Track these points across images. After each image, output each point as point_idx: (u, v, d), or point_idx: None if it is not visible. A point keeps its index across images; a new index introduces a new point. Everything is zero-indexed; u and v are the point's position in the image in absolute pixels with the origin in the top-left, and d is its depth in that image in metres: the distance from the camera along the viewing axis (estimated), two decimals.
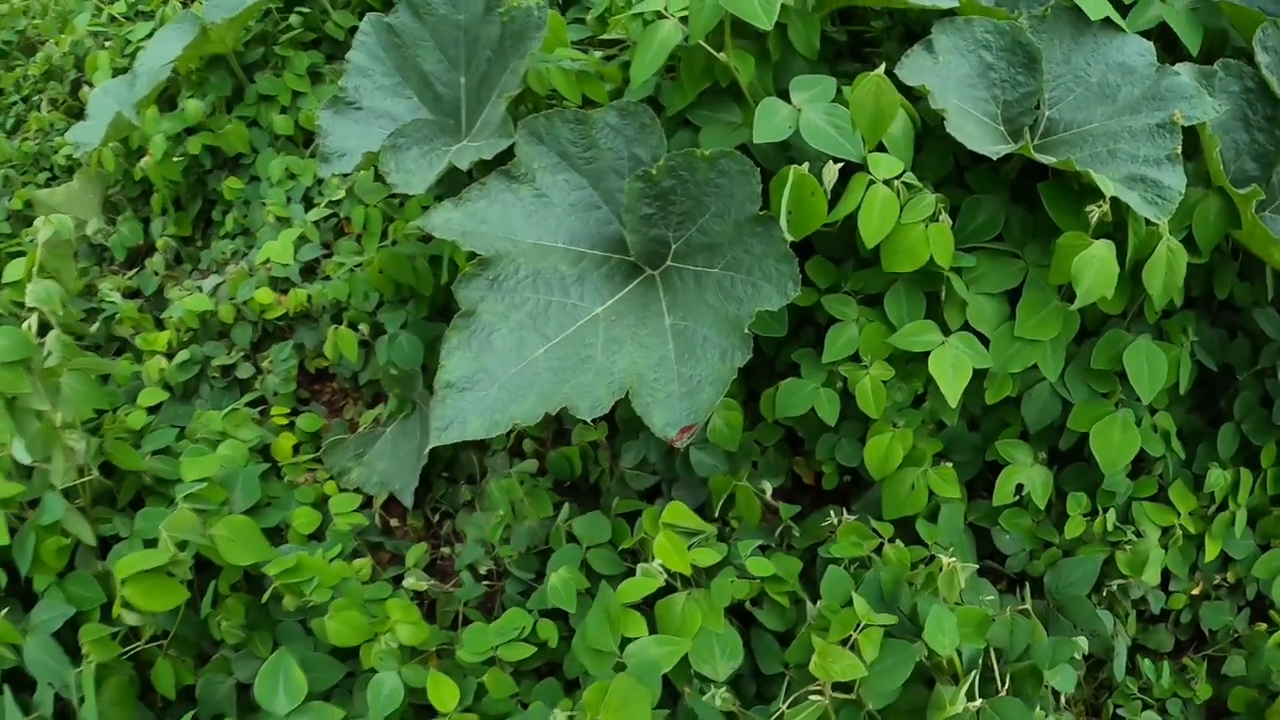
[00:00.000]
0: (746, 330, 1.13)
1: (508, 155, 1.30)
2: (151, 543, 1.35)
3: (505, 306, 1.20)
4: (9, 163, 2.23)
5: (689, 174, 1.21)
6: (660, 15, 1.24)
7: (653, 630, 1.16)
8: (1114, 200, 1.18)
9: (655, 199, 1.24)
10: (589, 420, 1.13)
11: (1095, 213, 1.17)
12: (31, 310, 1.41)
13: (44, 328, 1.42)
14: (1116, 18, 1.40)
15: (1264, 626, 1.44)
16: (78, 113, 2.25)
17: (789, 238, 1.15)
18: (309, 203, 1.88)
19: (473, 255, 1.22)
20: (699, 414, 1.10)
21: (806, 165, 1.15)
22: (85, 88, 2.13)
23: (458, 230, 1.24)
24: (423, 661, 1.29)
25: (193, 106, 1.92)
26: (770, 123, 1.19)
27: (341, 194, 1.85)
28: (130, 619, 1.23)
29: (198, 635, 1.37)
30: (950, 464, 1.34)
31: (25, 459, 1.35)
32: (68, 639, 1.31)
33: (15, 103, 2.37)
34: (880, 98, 1.14)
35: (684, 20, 1.24)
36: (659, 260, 1.27)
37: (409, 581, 1.39)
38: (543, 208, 1.28)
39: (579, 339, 1.21)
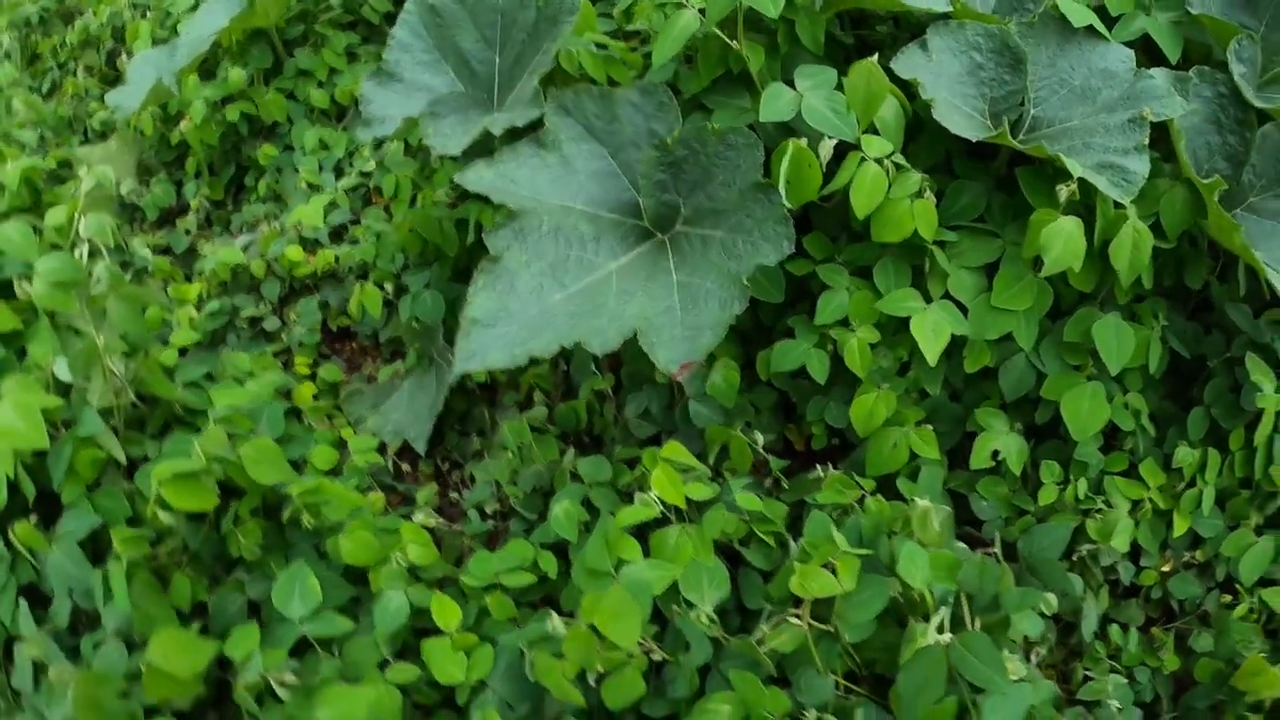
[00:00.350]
0: (745, 282, 1.37)
1: (537, 125, 1.56)
2: None
3: (528, 256, 1.44)
4: (44, 123, 2.51)
5: (700, 146, 1.46)
6: (680, 5, 1.51)
7: (647, 558, 1.37)
8: (1084, 185, 1.42)
9: (668, 167, 1.49)
10: (600, 355, 1.36)
11: (1064, 191, 1.41)
12: (83, 241, 1.66)
13: (92, 258, 1.67)
14: (1101, 28, 1.67)
15: (1229, 599, 1.64)
16: (113, 80, 2.54)
17: (786, 204, 1.39)
18: (340, 172, 2.15)
19: (499, 209, 1.47)
20: (699, 353, 1.33)
21: (805, 141, 1.41)
22: (122, 57, 2.41)
23: (489, 186, 1.49)
24: (428, 586, 1.50)
25: (235, 75, 2.20)
26: (775, 104, 1.45)
27: (372, 166, 2.12)
28: (165, 519, 1.44)
29: (213, 558, 1.59)
30: (931, 428, 1.56)
31: (66, 377, 1.58)
32: (88, 553, 1.53)
33: (51, 68, 2.66)
34: (871, 81, 1.40)
35: (702, 12, 1.51)
36: (669, 224, 1.51)
37: (418, 517, 1.61)
38: (566, 173, 1.54)
39: (594, 289, 1.44)
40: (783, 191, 1.39)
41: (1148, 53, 1.70)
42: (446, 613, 1.42)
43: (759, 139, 1.42)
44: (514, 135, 1.56)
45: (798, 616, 1.30)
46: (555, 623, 1.27)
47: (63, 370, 1.59)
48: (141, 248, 2.13)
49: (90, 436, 1.56)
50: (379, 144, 2.11)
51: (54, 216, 1.99)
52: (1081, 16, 1.65)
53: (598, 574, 1.34)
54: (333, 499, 1.52)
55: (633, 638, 1.25)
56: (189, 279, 2.07)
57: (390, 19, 2.29)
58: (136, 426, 1.74)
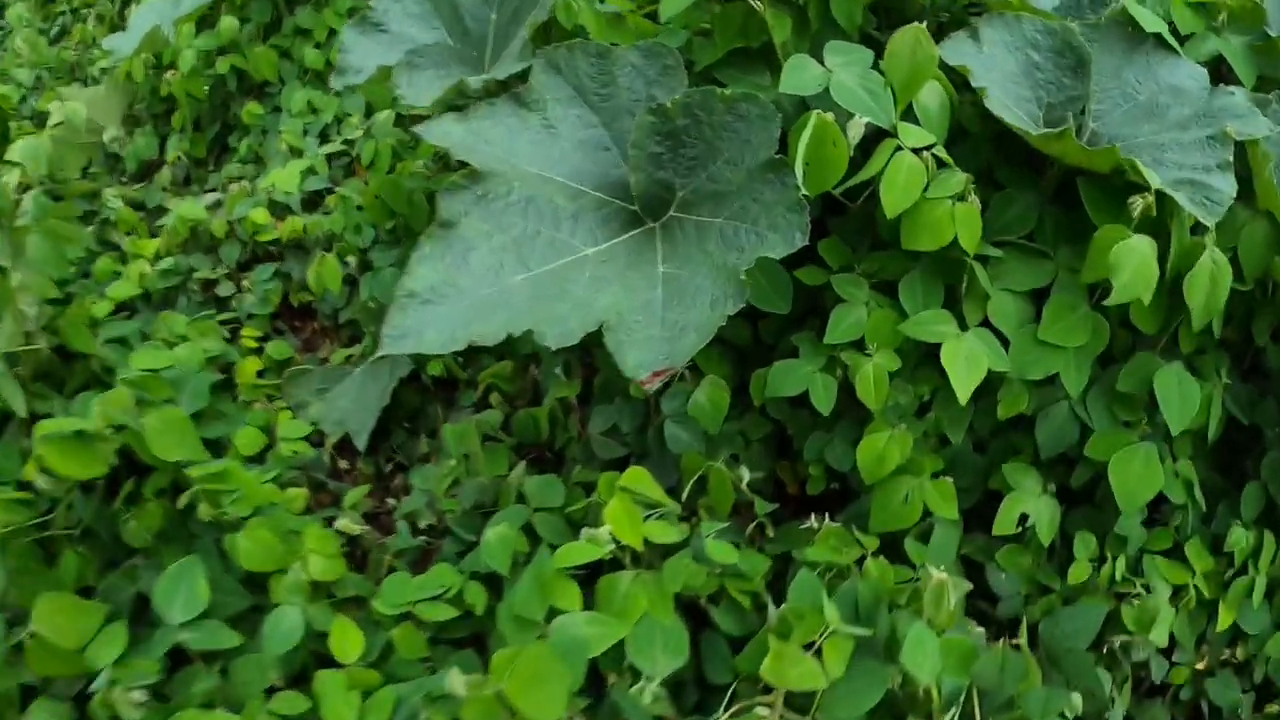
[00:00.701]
0: (744, 277, 0.98)
1: (522, 81, 1.18)
2: None
3: (490, 226, 1.06)
4: (45, 65, 2.17)
5: (705, 114, 1.08)
6: None
7: (589, 608, 0.97)
8: (1159, 204, 1.04)
9: (666, 137, 1.11)
10: (554, 348, 0.97)
11: (1139, 204, 1.02)
12: (16, 166, 1.31)
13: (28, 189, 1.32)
14: (1171, 40, 1.29)
15: (1275, 708, 1.22)
16: (121, 30, 2.20)
17: (803, 189, 1.00)
18: (325, 138, 1.78)
19: (461, 169, 1.09)
20: (677, 359, 0.95)
21: (833, 118, 1.02)
22: (133, 6, 2.08)
23: (457, 142, 1.12)
24: (337, 606, 1.11)
25: (227, 24, 1.86)
26: (799, 77, 1.07)
27: (359, 133, 1.75)
28: (43, 483, 1.08)
29: (111, 539, 1.22)
30: (950, 480, 1.16)
31: None
32: None
33: (64, 13, 2.33)
34: (918, 51, 1.02)
35: None
36: (662, 208, 1.13)
37: (341, 523, 1.22)
38: (549, 139, 1.16)
39: (562, 274, 1.06)
40: (799, 173, 1.00)
41: (1214, 79, 1.32)
42: (347, 641, 1.04)
43: (775, 110, 1.05)
44: (495, 92, 1.19)
45: (768, 706, 0.90)
46: (455, 680, 0.87)
47: None
48: (114, 198, 1.78)
49: None
50: (369, 112, 1.75)
51: (15, 151, 1.64)
52: (1153, 22, 1.27)
53: (525, 623, 0.95)
54: (239, 489, 1.13)
55: (553, 711, 0.85)
56: (155, 235, 1.70)
57: None
58: (53, 382, 1.37)
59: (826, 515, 1.14)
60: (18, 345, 1.25)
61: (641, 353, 0.95)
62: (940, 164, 1.08)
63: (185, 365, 1.32)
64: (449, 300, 1.01)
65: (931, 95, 1.09)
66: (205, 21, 1.93)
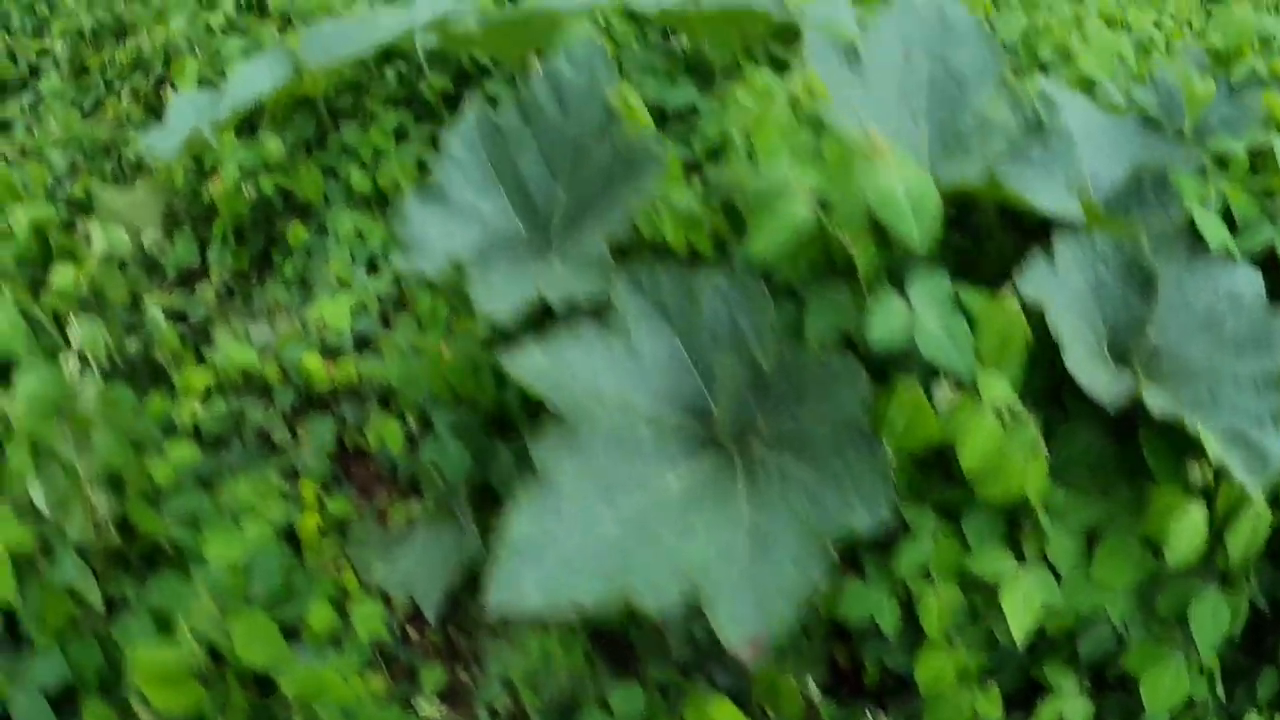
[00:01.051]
0: (829, 545, 1.01)
1: (600, 298, 1.18)
2: (162, 619, 1.25)
3: (578, 468, 1.08)
4: (78, 144, 2.07)
5: (793, 360, 1.09)
6: (785, 188, 1.12)
7: None
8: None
9: (752, 377, 1.12)
10: (654, 612, 1.01)
11: (1197, 471, 1.07)
12: (71, 352, 1.28)
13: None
14: (1233, 248, 1.31)
15: None
16: (156, 108, 2.11)
17: (890, 456, 1.03)
18: (373, 266, 1.74)
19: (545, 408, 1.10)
20: (772, 627, 0.98)
21: (916, 379, 1.04)
22: (169, 87, 1.98)
23: (542, 377, 1.12)
24: None
25: (273, 146, 1.78)
26: (887, 324, 1.08)
27: None
28: (145, 716, 1.11)
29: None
30: (995, 683, 1.23)
31: (44, 508, 1.23)
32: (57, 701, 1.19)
33: (98, 85, 2.21)
34: (1011, 327, 1.04)
35: (821, 205, 1.12)
36: (745, 445, 1.15)
37: (423, 708, 1.26)
38: (632, 362, 1.16)
39: (649, 514, 1.08)
40: (886, 440, 1.03)
41: (1269, 276, 1.34)
42: None
43: (863, 371, 1.06)
44: (575, 308, 1.18)
45: None
46: None
47: (39, 499, 1.23)
48: (154, 308, 1.73)
49: (66, 586, 1.21)
50: None
51: (61, 277, 1.61)
52: (1217, 235, 1.29)
53: None
54: (326, 694, 1.17)
55: None
56: (199, 354, 1.67)
57: (448, 99, 1.86)
58: (117, 558, 1.37)
59: (881, 711, 1.21)
60: (88, 538, 1.25)
61: (736, 615, 0.99)
62: (1012, 413, 1.10)
63: (256, 546, 1.33)
64: (545, 552, 1.03)
65: (1014, 350, 1.11)
66: (246, 125, 1.85)
